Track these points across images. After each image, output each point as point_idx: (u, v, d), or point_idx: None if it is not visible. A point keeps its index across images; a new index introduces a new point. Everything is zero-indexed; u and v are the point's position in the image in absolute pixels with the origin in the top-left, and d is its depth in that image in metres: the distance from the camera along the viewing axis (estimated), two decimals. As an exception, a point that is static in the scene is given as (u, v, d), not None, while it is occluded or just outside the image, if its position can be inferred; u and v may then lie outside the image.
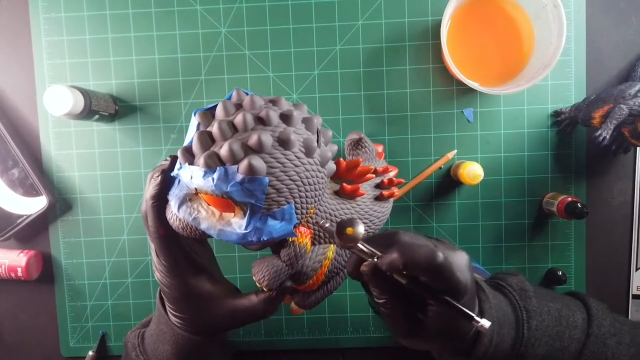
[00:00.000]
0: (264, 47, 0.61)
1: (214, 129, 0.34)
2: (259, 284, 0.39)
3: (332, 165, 0.38)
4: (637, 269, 0.62)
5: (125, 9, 0.61)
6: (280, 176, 0.34)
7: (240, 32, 0.61)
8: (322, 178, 0.37)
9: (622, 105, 0.50)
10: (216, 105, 0.36)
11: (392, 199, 0.49)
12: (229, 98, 0.37)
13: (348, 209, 0.43)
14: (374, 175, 0.46)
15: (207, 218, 0.35)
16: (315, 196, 0.37)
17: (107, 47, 0.61)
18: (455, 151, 0.61)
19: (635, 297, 0.62)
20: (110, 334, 0.64)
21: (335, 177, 0.43)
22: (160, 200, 0.38)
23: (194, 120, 0.37)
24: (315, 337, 0.64)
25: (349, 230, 0.35)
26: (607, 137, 0.51)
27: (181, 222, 0.36)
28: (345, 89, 0.61)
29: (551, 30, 0.54)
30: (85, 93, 0.54)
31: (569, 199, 0.56)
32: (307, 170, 0.35)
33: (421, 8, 0.60)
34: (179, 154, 0.35)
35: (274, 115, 0.35)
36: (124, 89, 0.62)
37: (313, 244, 0.40)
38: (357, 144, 0.54)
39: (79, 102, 0.53)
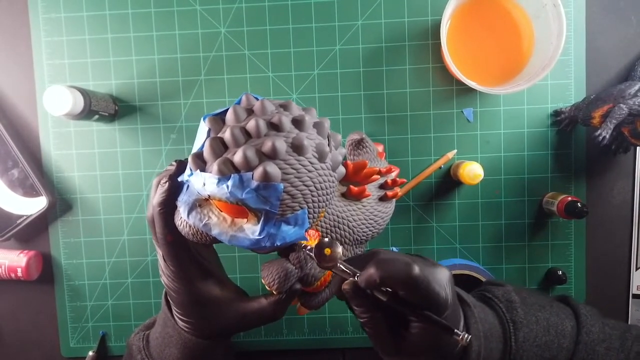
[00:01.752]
0: (264, 47, 0.61)
1: (227, 135, 0.34)
2: (269, 287, 0.39)
3: (342, 169, 0.39)
4: (637, 269, 0.62)
5: (124, 9, 0.61)
6: (294, 182, 0.34)
7: (240, 32, 0.61)
8: (333, 182, 0.37)
9: (621, 105, 0.50)
10: (225, 110, 0.36)
11: (394, 199, 0.50)
12: (239, 103, 0.37)
13: (354, 210, 0.43)
14: (379, 177, 0.46)
15: (219, 224, 0.35)
16: (327, 200, 0.37)
17: (107, 48, 0.61)
18: (455, 151, 0.61)
19: (635, 296, 0.62)
20: (111, 334, 0.64)
21: (343, 179, 0.43)
22: (167, 206, 0.38)
23: (204, 126, 0.36)
24: (316, 337, 0.64)
25: (327, 250, 0.36)
26: (607, 136, 0.51)
27: (191, 229, 0.36)
28: (345, 89, 0.61)
29: (551, 30, 0.54)
30: (84, 93, 0.54)
31: (569, 198, 0.56)
32: (320, 176, 0.35)
33: (421, 8, 0.60)
34: (189, 160, 0.35)
35: (287, 121, 0.34)
36: (123, 89, 0.62)
37: None
38: (359, 144, 0.54)
39: (79, 102, 0.53)
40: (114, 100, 0.61)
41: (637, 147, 0.61)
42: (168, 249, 0.39)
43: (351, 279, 0.36)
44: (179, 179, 0.37)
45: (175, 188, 0.38)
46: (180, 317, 0.41)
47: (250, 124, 0.34)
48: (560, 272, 0.61)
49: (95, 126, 0.62)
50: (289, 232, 0.35)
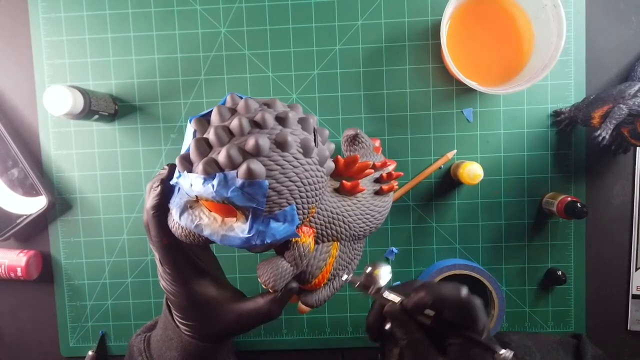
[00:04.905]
0: (264, 47, 0.61)
1: (210, 135, 0.34)
2: (265, 285, 0.39)
3: (330, 164, 0.39)
4: (636, 269, 0.62)
5: (124, 8, 0.61)
6: (279, 178, 0.34)
7: (240, 32, 0.61)
8: (322, 177, 0.37)
9: (621, 105, 0.50)
10: (211, 111, 0.36)
11: (392, 193, 0.50)
12: (224, 103, 0.37)
13: (349, 205, 0.43)
14: (373, 170, 0.46)
15: (210, 224, 0.35)
16: (316, 195, 0.37)
17: (107, 47, 0.61)
18: (455, 151, 0.61)
19: (635, 297, 0.62)
20: (110, 333, 0.64)
21: (335, 174, 0.44)
22: (161, 210, 0.38)
23: (190, 128, 0.36)
24: (315, 337, 0.64)
25: (376, 272, 0.39)
26: (607, 137, 0.51)
27: (184, 230, 0.36)
28: (345, 89, 0.61)
29: (551, 30, 0.54)
30: (84, 93, 0.54)
31: (569, 198, 0.56)
32: (306, 171, 0.35)
33: (421, 8, 0.60)
34: (177, 162, 0.35)
35: (270, 118, 0.35)
36: (123, 88, 0.62)
37: (316, 242, 0.40)
38: (354, 139, 0.54)
39: (79, 102, 0.53)
40: (114, 100, 0.61)
41: (637, 148, 0.61)
42: (164, 252, 0.39)
43: (394, 302, 0.39)
44: (171, 183, 0.37)
45: (167, 191, 0.38)
46: (180, 320, 0.41)
47: (234, 123, 0.34)
48: (560, 273, 0.61)
49: (95, 126, 0.62)
50: (278, 228, 0.35)
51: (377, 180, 0.48)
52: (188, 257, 0.41)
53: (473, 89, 0.55)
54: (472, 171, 0.56)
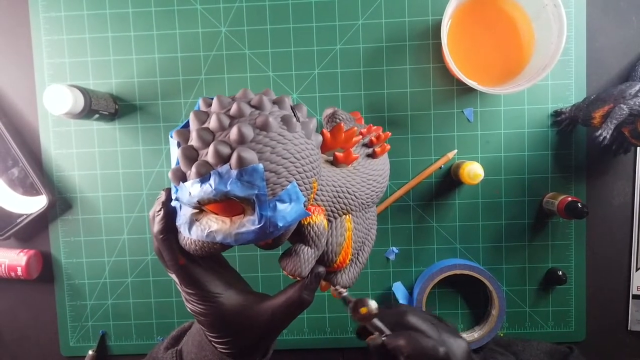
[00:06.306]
0: (264, 46, 0.61)
1: (194, 139, 0.34)
2: (292, 274, 0.38)
3: (318, 136, 0.39)
4: (637, 269, 0.62)
5: (125, 8, 0.61)
6: (272, 158, 0.34)
7: (241, 31, 0.61)
8: (313, 149, 0.37)
9: (622, 105, 0.50)
10: (188, 122, 0.37)
11: (386, 155, 0.50)
12: (197, 109, 0.37)
13: (349, 175, 0.43)
14: (361, 137, 0.46)
15: (220, 228, 0.35)
16: (313, 168, 0.37)
17: (107, 46, 0.61)
18: (456, 151, 0.61)
19: (635, 297, 0.62)
20: (110, 333, 0.64)
21: (325, 148, 0.44)
22: (169, 232, 0.38)
23: (173, 141, 0.37)
24: (315, 337, 0.64)
25: (363, 310, 0.40)
26: (607, 137, 0.51)
27: (197, 244, 0.36)
28: (346, 89, 0.61)
29: (551, 30, 0.54)
30: (85, 92, 0.54)
31: (569, 198, 0.56)
32: (295, 145, 0.35)
33: (421, 7, 0.60)
34: (170, 176, 0.35)
35: (245, 106, 0.35)
36: (124, 88, 0.62)
37: (329, 220, 0.40)
38: (332, 116, 0.54)
39: (79, 102, 0.53)
40: (114, 99, 0.61)
41: (638, 148, 0.61)
42: (183, 274, 0.39)
43: (377, 335, 0.41)
44: (172, 204, 0.37)
45: (170, 214, 0.38)
46: (216, 340, 0.40)
47: (212, 121, 0.34)
48: (560, 273, 0.61)
49: (95, 125, 0.62)
50: (287, 210, 0.35)
51: (368, 146, 0.48)
52: (207, 273, 0.40)
53: (473, 89, 0.55)
54: (473, 171, 0.56)
